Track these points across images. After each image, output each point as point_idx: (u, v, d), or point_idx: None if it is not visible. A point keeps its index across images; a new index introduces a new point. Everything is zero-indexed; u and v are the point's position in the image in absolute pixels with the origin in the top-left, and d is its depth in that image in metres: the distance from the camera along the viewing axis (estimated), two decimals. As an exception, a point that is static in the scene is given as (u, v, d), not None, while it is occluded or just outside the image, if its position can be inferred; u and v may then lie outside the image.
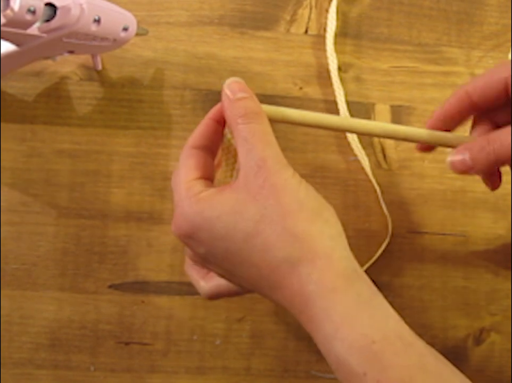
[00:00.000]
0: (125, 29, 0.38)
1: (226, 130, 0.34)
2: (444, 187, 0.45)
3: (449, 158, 0.33)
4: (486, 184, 0.38)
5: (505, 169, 0.45)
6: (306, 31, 0.45)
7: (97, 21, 0.35)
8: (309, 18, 0.45)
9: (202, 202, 0.30)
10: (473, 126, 0.36)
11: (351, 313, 0.28)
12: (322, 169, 0.44)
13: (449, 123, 0.35)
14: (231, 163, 0.34)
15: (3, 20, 0.30)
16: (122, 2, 0.39)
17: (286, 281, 0.29)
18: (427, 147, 0.37)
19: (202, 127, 0.34)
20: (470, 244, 0.45)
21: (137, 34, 0.40)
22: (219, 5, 0.45)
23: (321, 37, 0.45)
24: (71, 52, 0.38)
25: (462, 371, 0.29)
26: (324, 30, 0.45)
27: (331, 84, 0.44)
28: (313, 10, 0.45)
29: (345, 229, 0.31)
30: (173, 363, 0.43)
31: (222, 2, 0.45)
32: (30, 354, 0.42)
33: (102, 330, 0.42)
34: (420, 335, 0.30)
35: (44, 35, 0.34)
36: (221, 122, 0.33)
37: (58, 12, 0.33)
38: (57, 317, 0.42)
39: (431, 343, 0.42)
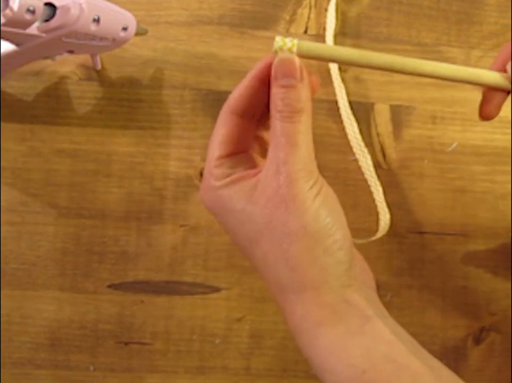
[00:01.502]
0: (124, 29, 0.38)
1: None
2: (443, 187, 0.45)
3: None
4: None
5: (505, 169, 0.45)
6: (305, 31, 0.45)
7: (97, 21, 0.35)
8: (308, 17, 0.45)
9: (222, 190, 0.29)
10: None
11: (337, 345, 0.27)
12: (321, 169, 0.44)
13: None
14: None
15: (2, 20, 0.30)
16: (121, 2, 0.39)
17: (278, 301, 0.29)
18: (489, 113, 0.34)
19: (243, 89, 0.30)
20: (470, 244, 0.45)
21: (137, 34, 0.40)
22: (219, 4, 0.45)
23: (320, 37, 0.45)
24: (70, 52, 0.38)
25: (461, 370, 0.29)
26: (324, 29, 0.45)
27: (331, 84, 0.44)
28: (313, 10, 0.45)
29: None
30: (173, 363, 0.43)
31: (221, 2, 0.45)
32: (29, 353, 0.42)
33: (102, 329, 0.43)
34: (420, 335, 0.30)
35: (43, 35, 0.34)
36: (266, 82, 0.30)
37: (57, 12, 0.33)
38: (57, 317, 0.42)
39: (431, 343, 0.42)
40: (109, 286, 0.43)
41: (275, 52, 0.29)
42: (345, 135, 0.44)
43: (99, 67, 0.42)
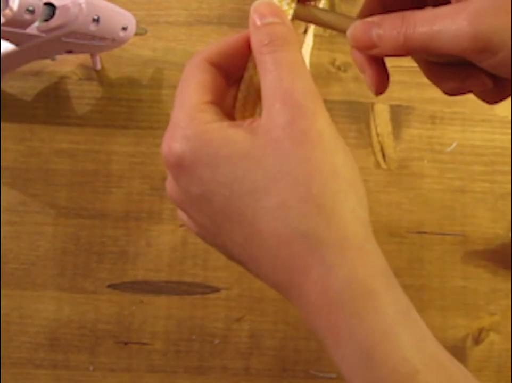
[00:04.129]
0: (124, 29, 0.38)
1: (249, 64, 0.26)
2: (443, 187, 0.45)
3: (350, 30, 0.27)
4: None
5: (505, 169, 0.45)
6: (305, 31, 0.45)
7: (96, 21, 0.35)
8: (308, 18, 0.45)
9: (211, 133, 0.23)
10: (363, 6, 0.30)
11: (391, 328, 0.22)
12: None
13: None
14: (251, 108, 0.27)
15: (2, 19, 0.30)
16: (121, 2, 0.39)
17: (300, 263, 0.22)
18: (381, 85, 0.28)
19: (223, 45, 0.26)
20: (469, 244, 0.45)
21: (136, 34, 0.40)
22: (218, 4, 0.45)
23: (320, 37, 0.45)
24: (70, 52, 0.38)
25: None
26: (324, 29, 0.45)
27: (331, 84, 0.44)
28: (312, 10, 0.45)
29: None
30: (172, 363, 0.43)
31: (221, 1, 0.45)
32: (29, 353, 0.42)
33: (101, 329, 0.42)
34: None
35: (43, 34, 0.34)
36: (248, 46, 0.25)
37: (57, 11, 0.33)
38: (56, 317, 0.42)
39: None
40: (109, 286, 0.43)
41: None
42: (344, 136, 0.44)
43: (98, 67, 0.42)
